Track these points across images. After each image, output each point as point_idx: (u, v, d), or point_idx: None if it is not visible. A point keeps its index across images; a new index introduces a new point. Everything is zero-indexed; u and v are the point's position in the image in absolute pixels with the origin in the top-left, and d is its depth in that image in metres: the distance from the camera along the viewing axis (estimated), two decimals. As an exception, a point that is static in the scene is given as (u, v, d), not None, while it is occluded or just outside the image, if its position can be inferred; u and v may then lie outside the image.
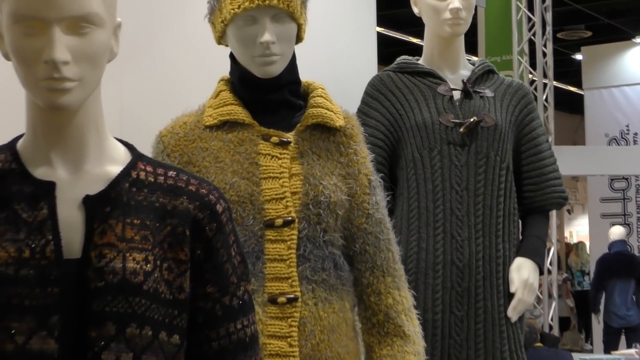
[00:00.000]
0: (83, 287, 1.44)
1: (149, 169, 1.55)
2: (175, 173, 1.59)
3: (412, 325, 2.19)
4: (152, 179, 1.54)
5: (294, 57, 2.18)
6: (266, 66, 2.10)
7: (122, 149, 1.57)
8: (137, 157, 1.56)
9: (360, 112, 2.95)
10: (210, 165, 2.11)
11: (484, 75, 3.00)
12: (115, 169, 1.52)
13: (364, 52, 3.89)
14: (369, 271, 2.18)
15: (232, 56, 2.18)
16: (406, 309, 2.20)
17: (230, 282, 1.57)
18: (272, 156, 2.12)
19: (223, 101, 2.17)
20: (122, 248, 1.46)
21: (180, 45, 2.60)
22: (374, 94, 2.96)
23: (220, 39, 2.19)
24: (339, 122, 2.19)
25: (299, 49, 2.20)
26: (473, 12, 2.96)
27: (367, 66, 3.60)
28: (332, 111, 2.20)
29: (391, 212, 2.86)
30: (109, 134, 1.56)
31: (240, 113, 2.14)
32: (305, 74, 2.23)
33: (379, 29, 3.73)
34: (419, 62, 3.01)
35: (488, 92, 2.94)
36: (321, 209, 2.09)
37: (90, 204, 1.48)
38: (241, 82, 2.17)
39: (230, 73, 2.20)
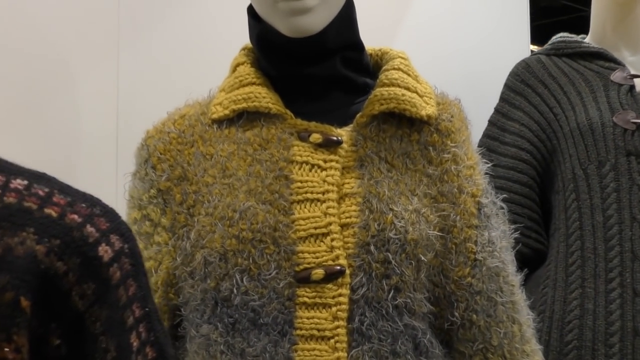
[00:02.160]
0: None
1: None
2: (25, 183, 0.80)
3: None
4: None
5: (349, 7, 1.35)
6: (296, 16, 1.27)
7: None
8: None
9: (498, 112, 2.07)
10: (214, 181, 1.31)
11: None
12: None
13: (512, 26, 2.71)
14: (479, 356, 1.31)
15: (250, 9, 1.38)
16: (546, 420, 1.31)
17: None
18: (313, 165, 1.29)
19: (240, 80, 1.36)
20: None
21: (187, 22, 1.81)
22: (518, 87, 2.07)
23: None
24: (428, 109, 1.34)
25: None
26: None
27: (515, 46, 2.53)
28: (415, 92, 1.35)
29: (541, 257, 1.96)
30: None
31: (264, 98, 1.33)
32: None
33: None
34: (584, 40, 2.10)
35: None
36: (391, 252, 1.25)
37: None
38: (263, 47, 1.36)
39: (250, 36, 1.39)
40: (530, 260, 1.99)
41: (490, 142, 2.05)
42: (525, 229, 1.96)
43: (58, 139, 1.62)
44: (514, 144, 2.02)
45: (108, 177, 1.62)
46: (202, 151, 1.34)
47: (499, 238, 1.34)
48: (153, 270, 1.33)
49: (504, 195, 1.99)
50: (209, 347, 1.27)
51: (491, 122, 2.08)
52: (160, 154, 1.35)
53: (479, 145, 2.05)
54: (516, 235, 1.96)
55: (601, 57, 2.05)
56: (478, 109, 2.04)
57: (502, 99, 2.09)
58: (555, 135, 1.99)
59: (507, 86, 2.09)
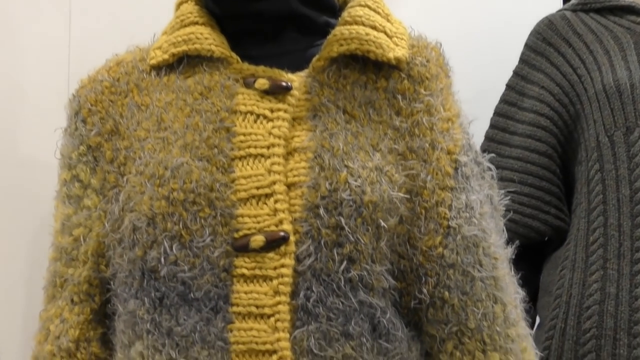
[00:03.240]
0: None
1: None
2: None
3: None
4: None
5: None
6: None
7: None
8: None
9: (517, 75, 1.86)
10: (147, 136, 1.14)
11: None
12: None
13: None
14: (453, 340, 1.11)
15: None
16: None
17: None
18: (258, 116, 1.11)
19: (181, 20, 1.19)
20: None
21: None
22: (539, 46, 1.86)
23: None
24: (397, 51, 1.15)
25: None
26: None
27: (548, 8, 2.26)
28: (384, 32, 1.16)
29: (562, 236, 1.74)
30: None
31: (206, 39, 1.15)
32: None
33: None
34: (614, -6, 1.87)
35: None
36: (344, 216, 1.06)
37: None
38: None
39: None
40: (549, 239, 1.78)
41: (508, 108, 1.84)
42: (543, 204, 1.75)
43: (2, 90, 1.46)
44: (532, 110, 1.80)
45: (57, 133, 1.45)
46: (136, 101, 1.16)
47: (479, 203, 1.14)
48: (82, 239, 1.17)
49: (521, 165, 1.80)
50: (135, 325, 1.10)
51: (509, 86, 1.87)
52: (91, 105, 1.18)
53: (496, 113, 1.84)
54: (533, 211, 1.77)
55: (633, 12, 1.82)
56: (504, 73, 1.84)
57: (522, 60, 1.87)
58: (579, 99, 1.77)
59: (527, 46, 1.88)
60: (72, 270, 1.18)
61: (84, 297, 1.17)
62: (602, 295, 1.63)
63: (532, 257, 1.79)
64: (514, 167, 1.78)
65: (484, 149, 1.79)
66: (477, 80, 1.99)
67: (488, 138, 1.83)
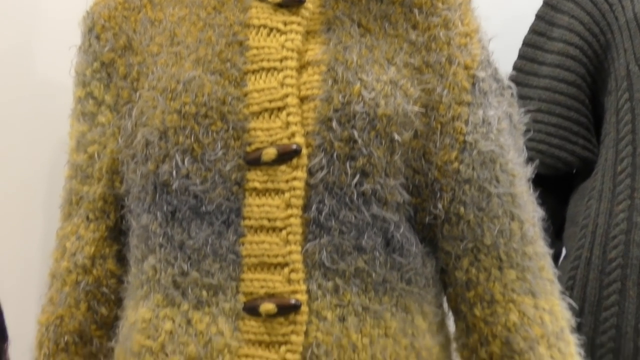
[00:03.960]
0: None
1: None
2: None
3: (562, 368, 1.09)
4: None
5: None
6: None
7: None
8: None
9: (547, 5, 1.82)
10: (160, 50, 1.13)
11: None
12: None
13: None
14: (469, 257, 1.10)
15: None
16: (550, 335, 1.10)
17: None
18: (271, 29, 1.10)
19: None
20: None
21: None
22: (570, -25, 1.81)
23: None
24: None
25: None
26: None
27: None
28: None
29: (589, 166, 1.72)
30: None
31: None
32: None
33: None
34: None
35: None
36: (357, 129, 1.04)
37: None
38: None
39: None
40: (577, 171, 1.75)
41: (537, 38, 1.80)
42: (571, 134, 1.72)
43: (19, 10, 1.46)
44: (562, 39, 1.76)
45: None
46: (150, 17, 1.15)
47: (497, 119, 1.12)
48: (97, 156, 1.17)
49: (549, 96, 1.76)
50: (148, 239, 1.10)
51: (538, 16, 1.83)
52: (105, 21, 1.17)
53: (524, 43, 1.81)
54: (560, 142, 1.74)
55: (667, -62, 1.77)
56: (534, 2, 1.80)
57: (551, -12, 1.83)
58: (610, 29, 1.73)
59: (557, -27, 1.83)
60: (87, 187, 1.18)
61: (99, 215, 1.17)
62: (629, 225, 1.60)
63: (560, 189, 1.77)
64: (542, 98, 1.74)
65: (512, 80, 1.76)
66: (506, 9, 1.96)
67: (516, 69, 1.80)
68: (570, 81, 1.73)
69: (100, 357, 1.19)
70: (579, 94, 1.74)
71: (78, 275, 1.17)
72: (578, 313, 1.54)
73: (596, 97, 1.76)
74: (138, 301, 1.11)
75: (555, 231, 1.72)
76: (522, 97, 1.57)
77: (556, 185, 1.74)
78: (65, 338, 1.18)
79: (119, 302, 1.18)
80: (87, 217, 1.18)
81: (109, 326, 1.19)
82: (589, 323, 1.58)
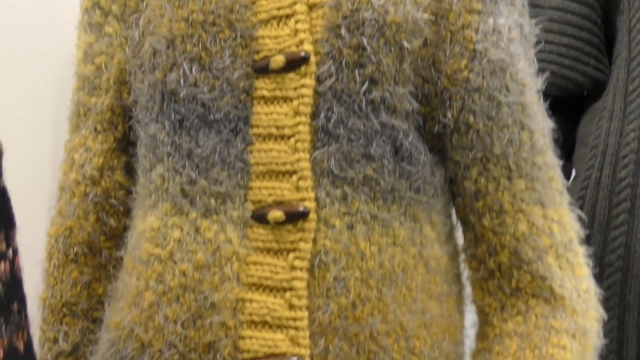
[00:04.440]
0: None
1: None
2: None
3: (571, 278, 1.09)
4: None
5: None
6: None
7: None
8: None
9: None
10: (167, -42, 1.11)
11: None
12: None
13: None
14: (478, 167, 1.09)
15: None
16: (559, 245, 1.10)
17: None
18: None
19: None
20: None
21: None
22: None
23: None
24: None
25: None
26: None
27: None
28: None
29: (600, 88, 1.70)
30: None
31: None
32: None
33: None
34: None
35: None
36: (366, 36, 1.03)
37: None
38: None
39: None
40: (588, 93, 1.74)
41: (549, -43, 1.78)
42: (582, 55, 1.70)
43: None
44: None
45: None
46: None
47: (507, 27, 1.10)
48: (104, 67, 1.16)
49: (560, 16, 1.74)
50: (156, 149, 1.10)
51: None
52: None
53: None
54: (572, 62, 1.73)
55: None
56: None
57: None
58: (624, -56, 1.71)
59: None
60: (95, 99, 1.17)
61: (107, 126, 1.17)
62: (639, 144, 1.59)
63: (571, 111, 1.76)
64: (553, 18, 1.72)
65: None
66: None
67: (527, -11, 1.78)
68: (582, 1, 1.71)
69: (110, 268, 1.20)
70: (591, 13, 1.72)
71: (87, 186, 1.18)
72: (588, 225, 1.54)
73: (608, 17, 1.74)
74: (146, 210, 1.11)
75: (566, 154, 1.71)
76: (532, 17, 1.55)
77: (567, 107, 1.73)
78: (75, 249, 1.19)
79: (127, 214, 1.18)
80: (95, 129, 1.17)
81: (117, 237, 1.19)
82: (598, 242, 1.58)
